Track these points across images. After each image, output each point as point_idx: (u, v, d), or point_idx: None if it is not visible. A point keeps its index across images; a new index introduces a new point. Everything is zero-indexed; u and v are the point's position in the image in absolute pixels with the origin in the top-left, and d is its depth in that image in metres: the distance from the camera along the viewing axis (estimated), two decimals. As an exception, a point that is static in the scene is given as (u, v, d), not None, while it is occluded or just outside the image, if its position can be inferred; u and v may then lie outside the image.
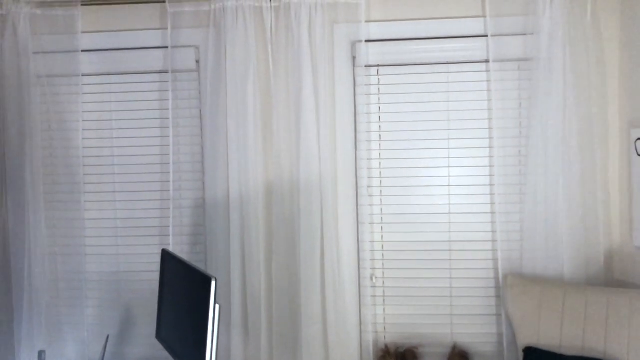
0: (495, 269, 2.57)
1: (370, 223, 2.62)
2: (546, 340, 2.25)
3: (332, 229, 2.50)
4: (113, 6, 2.65)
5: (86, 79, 2.68)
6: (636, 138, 2.26)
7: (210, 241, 2.56)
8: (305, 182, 2.48)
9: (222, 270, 2.54)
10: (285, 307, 2.53)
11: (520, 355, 2.30)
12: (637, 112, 2.30)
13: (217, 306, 1.78)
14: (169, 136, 2.62)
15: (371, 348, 2.56)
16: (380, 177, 2.62)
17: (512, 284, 2.38)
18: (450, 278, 2.59)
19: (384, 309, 2.62)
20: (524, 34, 2.47)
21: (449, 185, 2.59)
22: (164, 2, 2.58)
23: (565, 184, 2.40)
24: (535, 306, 2.30)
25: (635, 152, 2.27)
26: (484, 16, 2.52)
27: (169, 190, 2.64)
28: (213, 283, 1.67)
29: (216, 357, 1.78)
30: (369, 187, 2.62)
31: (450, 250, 2.59)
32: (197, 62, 2.63)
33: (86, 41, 2.64)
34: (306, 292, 2.47)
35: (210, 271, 2.55)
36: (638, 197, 2.25)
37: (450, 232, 2.59)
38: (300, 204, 2.48)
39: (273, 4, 2.53)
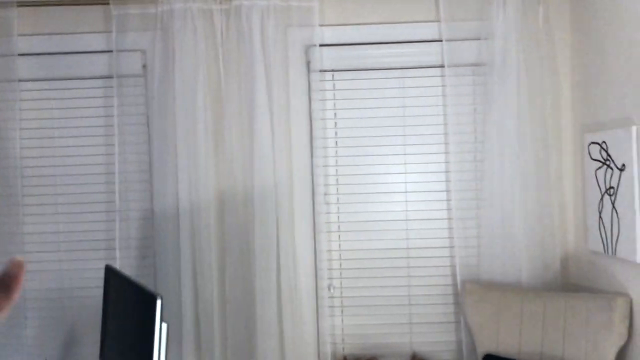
0: (453, 276, 2.54)
1: (327, 231, 2.55)
2: (505, 346, 2.23)
3: (288, 238, 2.42)
4: (53, 7, 2.51)
5: (24, 85, 2.52)
6: (589, 142, 2.27)
7: (159, 254, 2.43)
8: (259, 191, 2.40)
9: (172, 283, 2.42)
10: (239, 320, 2.43)
11: (480, 362, 2.27)
12: (590, 116, 2.32)
13: (165, 325, 1.68)
14: (114, 144, 2.48)
15: (329, 360, 2.49)
16: (337, 184, 2.56)
17: (471, 290, 2.35)
18: (409, 286, 2.55)
19: (342, 319, 2.56)
20: (478, 39, 2.46)
21: (405, 192, 2.55)
22: (108, 3, 2.46)
23: (520, 189, 2.39)
24: (494, 313, 2.28)
25: (588, 156, 2.28)
26: (438, 21, 2.50)
27: (114, 201, 2.50)
28: (159, 301, 1.56)
29: (164, 379, 1.67)
30: (325, 194, 2.55)
31: (408, 257, 2.55)
32: (144, 66, 2.51)
33: (23, 44, 2.49)
34: (261, 305, 2.38)
35: (160, 285, 2.43)
36: (591, 201, 2.26)
37: (407, 239, 2.55)
38: (255, 213, 2.39)
39: (223, 7, 2.44)
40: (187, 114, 2.40)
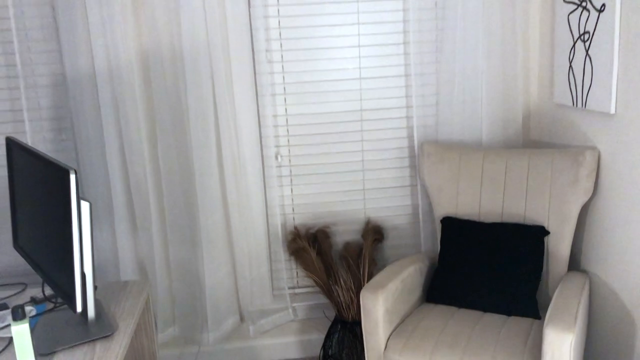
0: (410, 138, 2.36)
1: (271, 94, 2.27)
2: (465, 208, 2.12)
3: (227, 103, 2.13)
4: None
5: None
6: (563, -18, 2.02)
7: (78, 126, 2.10)
8: (190, 50, 2.05)
9: (96, 158, 2.13)
10: (178, 196, 2.20)
11: (438, 225, 2.17)
12: (565, -49, 2.04)
13: (86, 204, 1.42)
14: (5, -6, 2.03)
15: (280, 232, 2.33)
16: (280, 39, 2.23)
17: (429, 152, 2.19)
18: (362, 150, 2.36)
19: (291, 189, 2.37)
20: None
21: (359, 46, 2.26)
22: None
23: (483, 39, 2.15)
24: (454, 174, 2.14)
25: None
26: None
27: (15, 65, 2.10)
28: (72, 176, 1.29)
29: (92, 262, 1.45)
30: (267, 51, 2.23)
31: (361, 120, 2.32)
32: None
33: None
34: (202, 178, 2.14)
35: (82, 161, 2.13)
36: (561, 49, 2.06)
37: (361, 99, 2.31)
38: (186, 76, 2.07)
39: None
40: (93, -47, 1.96)
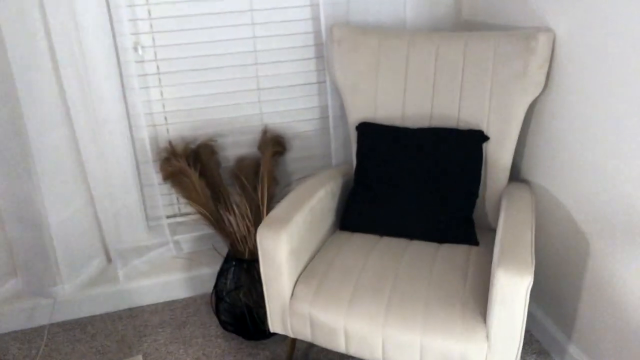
0: (316, 19, 1.83)
1: (121, -42, 1.62)
2: (385, 111, 1.67)
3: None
4: None
5: None
6: None
7: None
8: None
9: None
10: (-6, 107, 1.56)
11: (352, 132, 1.72)
12: None
13: None
14: None
15: (149, 149, 1.78)
16: None
17: (340, 37, 1.69)
18: (254, 37, 1.80)
19: (161, 92, 1.80)
20: None
21: None
22: None
23: None
24: (371, 66, 1.67)
25: None
26: None
27: None
28: None
29: None
30: None
31: (250, -5, 1.75)
32: None
33: None
34: (28, 84, 1.51)
35: None
36: None
37: (248, -34, 1.72)
38: None
39: None
40: None
